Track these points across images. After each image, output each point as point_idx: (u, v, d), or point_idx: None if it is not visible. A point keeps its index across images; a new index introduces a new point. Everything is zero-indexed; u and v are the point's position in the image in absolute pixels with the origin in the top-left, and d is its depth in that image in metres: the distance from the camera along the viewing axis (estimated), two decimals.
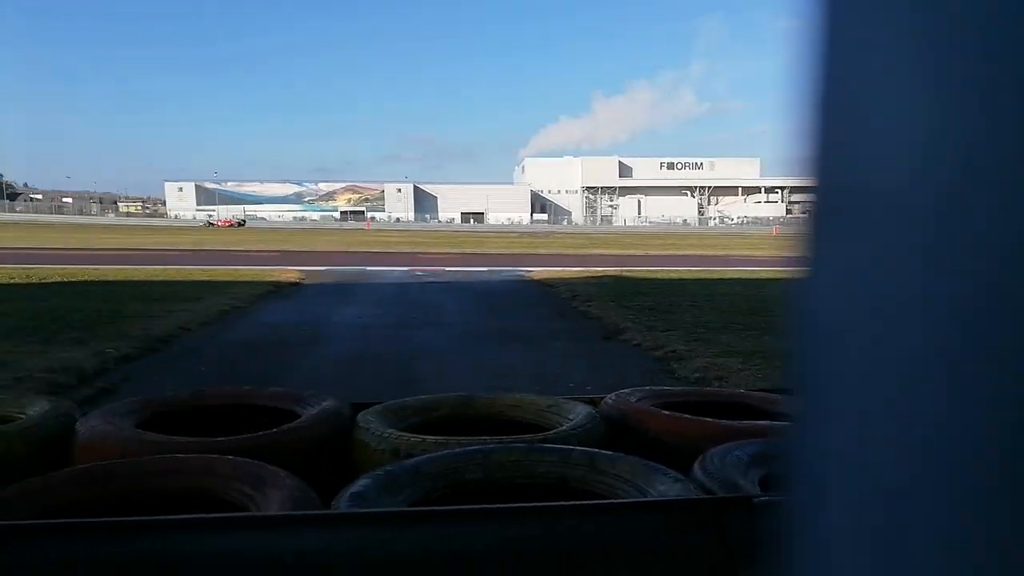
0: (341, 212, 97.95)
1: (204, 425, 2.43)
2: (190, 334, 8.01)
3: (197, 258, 21.26)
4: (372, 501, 1.63)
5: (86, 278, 13.45)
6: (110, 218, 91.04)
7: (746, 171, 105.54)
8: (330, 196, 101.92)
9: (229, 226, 69.13)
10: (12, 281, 12.67)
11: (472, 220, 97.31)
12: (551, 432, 2.14)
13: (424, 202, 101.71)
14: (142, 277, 13.92)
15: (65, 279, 13.14)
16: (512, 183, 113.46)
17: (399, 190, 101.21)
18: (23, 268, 15.17)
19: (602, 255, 26.73)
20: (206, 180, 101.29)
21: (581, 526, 1.26)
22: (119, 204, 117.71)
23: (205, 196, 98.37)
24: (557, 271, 17.29)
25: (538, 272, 17.21)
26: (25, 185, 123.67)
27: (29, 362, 6.09)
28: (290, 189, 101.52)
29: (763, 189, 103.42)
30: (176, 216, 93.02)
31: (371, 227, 76.85)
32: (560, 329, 8.94)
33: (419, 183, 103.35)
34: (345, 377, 6.23)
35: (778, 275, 16.65)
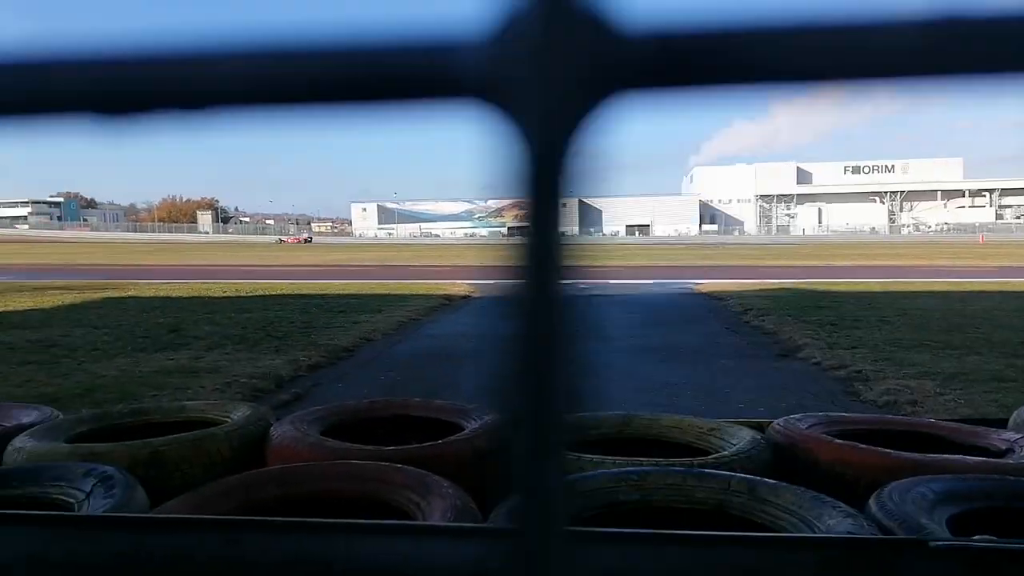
0: (508, 228, 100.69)
1: (378, 434, 2.61)
2: (371, 344, 8.63)
3: (378, 272, 22.86)
4: None
5: (283, 292, 14.93)
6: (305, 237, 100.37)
7: (947, 172, 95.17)
8: (498, 212, 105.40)
9: (297, 243, 77.63)
10: (224, 295, 14.38)
11: (637, 232, 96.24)
12: (711, 456, 2.07)
13: (589, 215, 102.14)
14: (331, 291, 15.21)
15: (266, 293, 14.68)
16: (680, 194, 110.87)
17: (564, 204, 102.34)
18: (232, 283, 17.17)
19: (778, 267, 25.31)
20: (387, 200, 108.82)
21: (733, 558, 1.21)
22: (312, 224, 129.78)
23: (385, 215, 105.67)
24: (727, 283, 16.62)
25: (707, 285, 16.64)
26: (236, 209, 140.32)
27: (236, 368, 6.86)
28: (461, 207, 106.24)
29: (967, 192, 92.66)
30: (360, 235, 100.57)
31: None
32: (729, 345, 8.58)
33: (583, 197, 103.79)
34: None
35: (985, 287, 14.83)
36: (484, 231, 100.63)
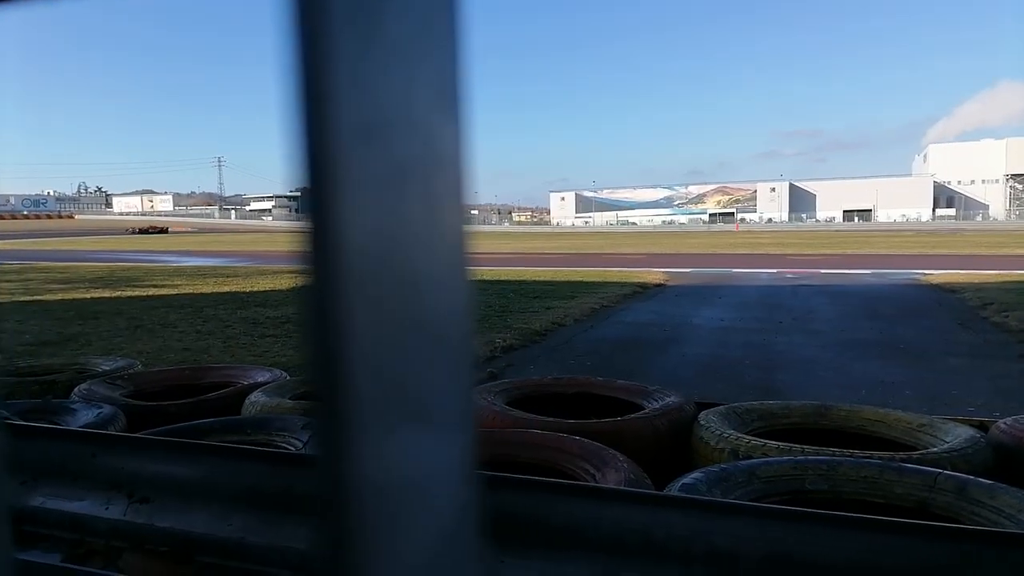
0: (710, 215, 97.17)
1: (559, 407, 2.69)
2: (563, 329, 8.80)
3: (574, 260, 23.19)
4: (702, 494, 1.63)
5: (483, 277, 15.68)
6: (505, 227, 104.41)
7: None
8: (699, 199, 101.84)
9: (153, 230, 73.73)
10: None
11: (857, 218, 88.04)
12: (917, 452, 1.87)
13: (800, 201, 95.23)
14: (527, 277, 15.71)
15: None
16: (908, 174, 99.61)
17: (772, 189, 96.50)
18: None
19: None
20: (584, 189, 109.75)
21: (937, 549, 1.09)
22: (512, 214, 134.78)
23: (583, 204, 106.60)
24: (964, 274, 14.67)
25: (938, 276, 14.83)
26: None
27: None
28: (660, 194, 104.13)
29: None
30: (558, 224, 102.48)
31: (740, 228, 74.77)
32: (961, 342, 7.60)
33: (795, 181, 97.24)
34: (696, 377, 6.21)
35: None
36: (684, 218, 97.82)
